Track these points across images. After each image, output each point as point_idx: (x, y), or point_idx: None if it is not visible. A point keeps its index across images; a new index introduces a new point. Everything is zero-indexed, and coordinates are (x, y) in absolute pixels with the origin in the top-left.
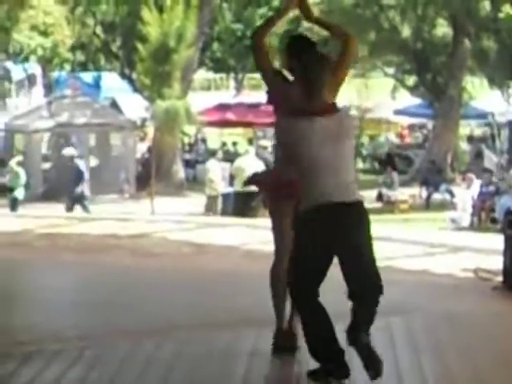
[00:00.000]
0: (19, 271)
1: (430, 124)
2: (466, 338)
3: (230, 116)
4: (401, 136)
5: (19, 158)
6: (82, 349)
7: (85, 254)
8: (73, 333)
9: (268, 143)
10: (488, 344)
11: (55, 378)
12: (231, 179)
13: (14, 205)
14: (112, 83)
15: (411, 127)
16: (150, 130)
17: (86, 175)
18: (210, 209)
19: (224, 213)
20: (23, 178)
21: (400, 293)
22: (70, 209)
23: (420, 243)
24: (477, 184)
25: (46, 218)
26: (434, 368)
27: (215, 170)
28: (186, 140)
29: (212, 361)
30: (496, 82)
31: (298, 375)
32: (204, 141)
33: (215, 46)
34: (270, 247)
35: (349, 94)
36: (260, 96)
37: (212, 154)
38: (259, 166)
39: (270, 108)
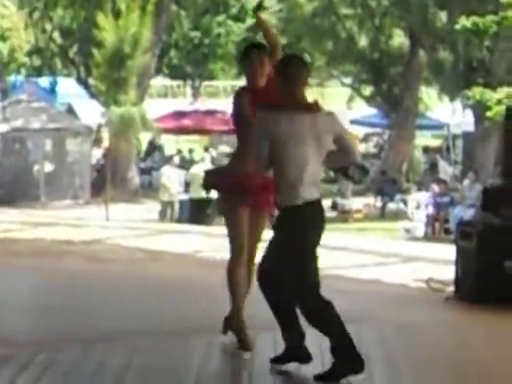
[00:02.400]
0: None
1: (385, 134)
2: (418, 348)
3: (187, 123)
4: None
5: None
6: (34, 354)
7: (37, 259)
8: (23, 338)
9: (227, 149)
10: (440, 355)
11: (6, 383)
12: (187, 186)
13: None
14: (68, 88)
15: (367, 137)
16: (106, 135)
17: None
18: (163, 215)
19: (180, 220)
20: None
21: (351, 302)
22: None
23: (373, 253)
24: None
25: (1, 223)
26: (385, 378)
27: (169, 176)
28: (143, 146)
29: (162, 368)
30: (449, 93)
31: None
32: (160, 148)
33: (172, 52)
34: (224, 255)
35: None
36: (216, 103)
37: (168, 160)
38: None
39: (226, 115)
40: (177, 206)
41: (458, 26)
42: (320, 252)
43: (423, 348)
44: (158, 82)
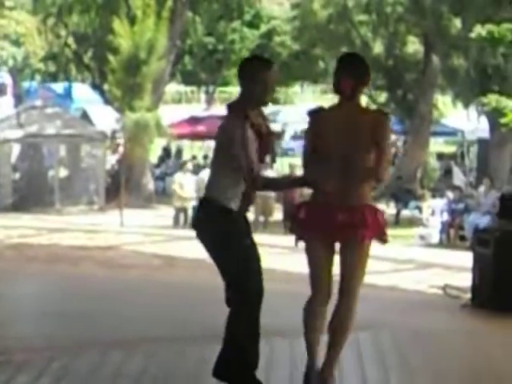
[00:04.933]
0: None
1: (400, 140)
2: (434, 355)
3: (201, 128)
4: None
5: None
6: (50, 360)
7: (53, 264)
8: (41, 343)
9: None
10: (456, 362)
11: None
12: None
13: None
14: (83, 94)
15: None
16: (121, 141)
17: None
18: (177, 221)
19: None
20: None
21: (368, 308)
22: None
23: (388, 259)
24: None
25: (16, 229)
26: None
27: (182, 183)
28: (158, 152)
29: (179, 375)
30: (463, 100)
31: None
32: (179, 152)
33: (187, 59)
34: None
35: None
36: None
37: (181, 166)
38: None
39: None
40: (190, 212)
41: (473, 35)
42: (336, 259)
43: (439, 355)
44: (173, 88)
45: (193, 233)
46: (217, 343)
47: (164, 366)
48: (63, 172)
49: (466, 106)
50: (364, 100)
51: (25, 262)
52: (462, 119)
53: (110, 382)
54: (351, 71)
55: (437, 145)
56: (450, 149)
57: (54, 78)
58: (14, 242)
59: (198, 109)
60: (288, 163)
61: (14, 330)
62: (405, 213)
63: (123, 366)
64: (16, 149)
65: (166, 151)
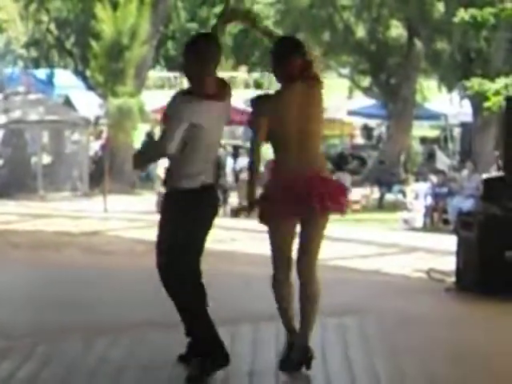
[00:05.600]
0: None
1: (383, 125)
2: (419, 338)
3: None
4: (352, 136)
5: None
6: (34, 346)
7: (37, 251)
8: (24, 330)
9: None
10: (440, 345)
11: (6, 375)
12: None
13: None
14: (65, 80)
15: (364, 128)
16: (105, 127)
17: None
18: (160, 206)
19: None
20: None
21: (352, 293)
22: None
23: (373, 243)
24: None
25: None
26: (387, 369)
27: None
28: (142, 138)
29: (167, 359)
30: (447, 84)
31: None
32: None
33: (169, 44)
34: (221, 246)
35: None
36: None
37: None
38: None
39: None
40: None
41: (456, 19)
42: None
43: (424, 338)
44: (155, 73)
45: None
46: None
47: (149, 352)
48: (46, 158)
49: (450, 89)
50: (347, 83)
51: (9, 248)
52: (445, 103)
53: (95, 368)
54: (299, 51)
55: (420, 129)
56: (434, 133)
57: (36, 64)
58: None
59: None
60: None
61: None
62: (388, 197)
63: (108, 352)
64: None
65: (150, 136)
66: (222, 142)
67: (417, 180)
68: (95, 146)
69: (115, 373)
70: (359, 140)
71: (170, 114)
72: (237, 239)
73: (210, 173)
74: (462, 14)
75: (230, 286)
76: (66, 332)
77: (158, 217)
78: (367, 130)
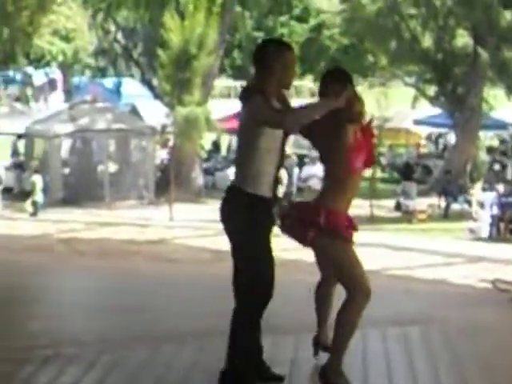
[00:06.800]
0: (38, 275)
1: (449, 134)
2: (484, 350)
3: None
4: (418, 146)
5: (36, 162)
6: (99, 353)
7: (104, 259)
8: (90, 337)
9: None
10: (505, 355)
11: (72, 381)
12: None
13: (34, 209)
14: (132, 89)
15: (430, 137)
16: (171, 136)
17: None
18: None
19: None
20: (40, 183)
21: (418, 302)
22: None
23: (438, 253)
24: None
25: (66, 223)
26: (451, 378)
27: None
28: (208, 147)
29: None
30: None
31: None
32: (229, 147)
33: (236, 53)
34: (290, 254)
35: (368, 102)
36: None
37: (231, 161)
38: None
39: None
40: None
41: None
42: (386, 252)
43: (490, 350)
44: (221, 82)
45: None
46: (269, 335)
47: (215, 359)
48: (112, 167)
49: None
50: (412, 93)
51: (76, 256)
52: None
53: (160, 375)
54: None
55: (486, 138)
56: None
57: (103, 73)
58: (64, 236)
59: None
60: None
61: (64, 324)
62: (454, 206)
63: (174, 360)
64: (66, 143)
65: (216, 145)
66: (288, 151)
67: (483, 190)
68: (161, 155)
69: (181, 381)
70: (425, 149)
71: None
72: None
73: None
74: None
75: (294, 294)
76: (131, 339)
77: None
78: (433, 139)
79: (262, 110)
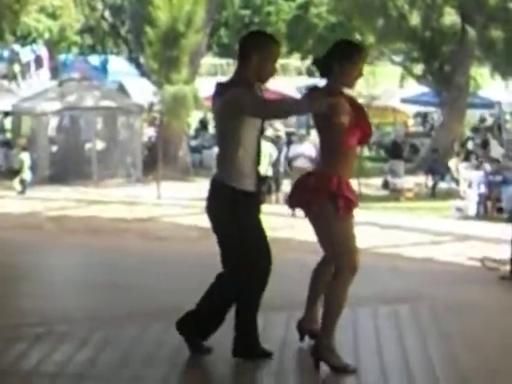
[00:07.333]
0: (28, 253)
1: (436, 113)
2: (473, 327)
3: None
4: (406, 124)
5: (24, 140)
6: (91, 331)
7: (93, 237)
8: (81, 315)
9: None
10: (494, 332)
11: (64, 359)
12: None
13: (22, 187)
14: (119, 67)
15: (417, 116)
16: (158, 114)
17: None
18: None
19: None
20: (28, 161)
21: (406, 281)
22: None
23: (426, 231)
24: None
25: (55, 201)
26: (441, 356)
27: None
28: (195, 125)
29: (223, 342)
30: (501, 72)
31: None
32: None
33: (222, 31)
34: (278, 233)
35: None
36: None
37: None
38: None
39: (276, 94)
40: None
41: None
42: (373, 230)
43: (477, 326)
44: (208, 60)
45: None
46: (260, 313)
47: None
48: (100, 144)
49: (504, 77)
50: (399, 71)
51: (65, 234)
52: (498, 91)
53: (151, 352)
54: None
55: (473, 117)
56: (487, 121)
57: (90, 50)
58: (53, 214)
59: None
60: None
61: (55, 302)
62: (441, 185)
63: (164, 337)
64: (53, 121)
65: (203, 123)
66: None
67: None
68: (149, 133)
69: (171, 357)
70: (412, 128)
71: None
72: (295, 226)
73: None
74: None
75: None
76: (122, 317)
77: None
78: (420, 118)
79: (246, 98)
